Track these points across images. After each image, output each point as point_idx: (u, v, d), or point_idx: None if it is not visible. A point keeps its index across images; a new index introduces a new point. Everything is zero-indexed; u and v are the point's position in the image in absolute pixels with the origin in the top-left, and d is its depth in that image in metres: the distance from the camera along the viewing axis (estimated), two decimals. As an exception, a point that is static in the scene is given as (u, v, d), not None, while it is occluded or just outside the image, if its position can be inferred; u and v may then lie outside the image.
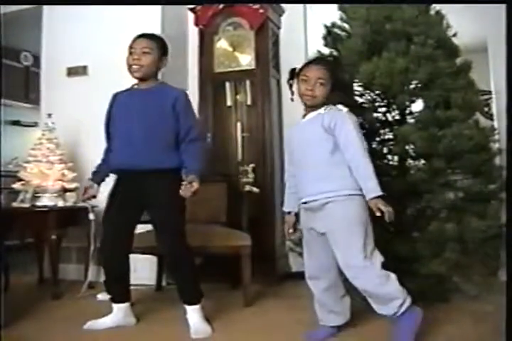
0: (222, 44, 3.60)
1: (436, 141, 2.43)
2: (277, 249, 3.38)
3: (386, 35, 2.62)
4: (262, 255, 3.06)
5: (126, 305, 2.43)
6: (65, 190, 3.25)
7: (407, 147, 2.57)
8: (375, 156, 2.60)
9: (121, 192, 2.36)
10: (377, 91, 2.67)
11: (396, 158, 2.67)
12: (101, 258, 2.40)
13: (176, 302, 2.41)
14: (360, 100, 2.73)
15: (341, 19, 2.86)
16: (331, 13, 2.90)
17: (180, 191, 2.20)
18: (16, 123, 6.14)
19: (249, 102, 3.55)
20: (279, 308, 2.69)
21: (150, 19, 3.64)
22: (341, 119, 2.05)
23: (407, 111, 2.69)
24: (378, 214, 1.90)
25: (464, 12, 3.76)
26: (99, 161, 2.49)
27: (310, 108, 2.14)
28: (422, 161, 2.57)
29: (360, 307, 2.27)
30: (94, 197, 2.45)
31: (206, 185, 3.10)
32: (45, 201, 3.18)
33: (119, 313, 2.41)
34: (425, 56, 2.51)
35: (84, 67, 3.76)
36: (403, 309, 1.94)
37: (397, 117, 2.69)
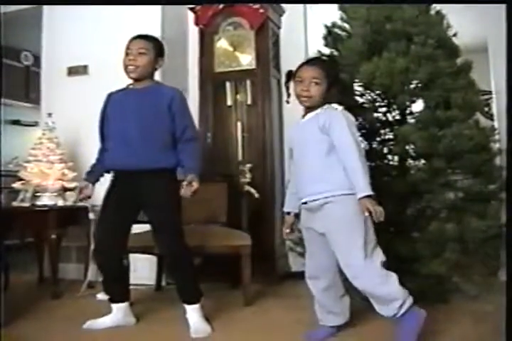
0: (222, 44, 3.60)
1: (436, 141, 2.43)
2: (277, 249, 3.38)
3: (386, 35, 2.62)
4: (262, 255, 3.06)
5: (125, 304, 2.43)
6: (65, 190, 3.26)
7: (407, 147, 2.57)
8: (376, 156, 2.62)
9: (117, 192, 2.36)
10: (377, 91, 2.67)
11: (396, 158, 2.67)
12: (96, 258, 2.39)
13: (176, 302, 2.41)
14: (360, 100, 2.73)
15: (341, 19, 2.86)
16: (331, 13, 2.90)
17: (181, 191, 2.20)
18: (16, 122, 6.15)
19: (249, 102, 3.55)
20: (278, 308, 2.69)
21: (150, 19, 3.65)
22: (335, 118, 2.04)
23: (408, 111, 2.69)
24: (367, 214, 1.89)
25: (464, 12, 3.76)
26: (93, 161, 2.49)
27: (308, 108, 2.14)
28: (422, 161, 2.57)
29: (360, 307, 2.27)
30: (89, 197, 2.46)
31: (206, 185, 3.09)
32: (45, 200, 3.19)
33: (119, 313, 2.41)
34: (425, 56, 2.51)
35: (85, 67, 3.76)
36: (403, 310, 1.93)
37: (398, 117, 2.69)
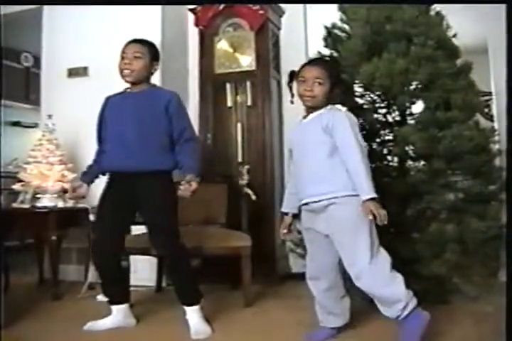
0: (222, 45, 3.60)
1: (436, 142, 2.43)
2: (277, 250, 3.38)
3: (386, 36, 2.62)
4: (262, 256, 3.06)
5: (125, 306, 2.43)
6: (65, 191, 3.24)
7: (407, 148, 2.57)
8: (376, 157, 2.61)
9: (113, 194, 2.36)
10: (377, 92, 2.67)
11: (396, 159, 2.67)
12: (93, 260, 2.40)
13: (176, 304, 2.41)
14: (360, 101, 2.74)
15: (341, 20, 2.86)
16: (331, 14, 2.90)
17: (180, 191, 2.21)
18: (16, 124, 6.15)
19: (249, 103, 3.55)
20: (279, 309, 2.69)
21: (150, 20, 3.65)
22: (339, 119, 2.04)
23: (408, 112, 2.69)
24: (370, 217, 1.89)
25: (464, 12, 3.76)
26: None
27: (311, 109, 2.14)
28: (422, 162, 2.57)
29: (360, 308, 2.27)
30: (83, 197, 2.46)
31: (206, 186, 3.10)
32: (45, 202, 3.19)
33: (119, 314, 2.41)
34: (425, 57, 2.51)
35: (85, 68, 3.76)
36: (406, 312, 1.92)
37: (398, 118, 2.69)
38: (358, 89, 2.71)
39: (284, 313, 2.60)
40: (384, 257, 1.99)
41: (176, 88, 3.61)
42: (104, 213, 2.37)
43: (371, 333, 2.21)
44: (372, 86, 2.59)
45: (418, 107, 2.66)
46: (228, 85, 3.60)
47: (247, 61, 3.53)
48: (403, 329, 1.95)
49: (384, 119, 2.72)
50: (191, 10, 3.67)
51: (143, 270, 3.19)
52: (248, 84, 3.54)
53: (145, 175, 2.27)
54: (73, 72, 3.80)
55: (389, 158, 2.69)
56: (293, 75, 2.20)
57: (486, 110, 5.15)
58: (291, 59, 3.59)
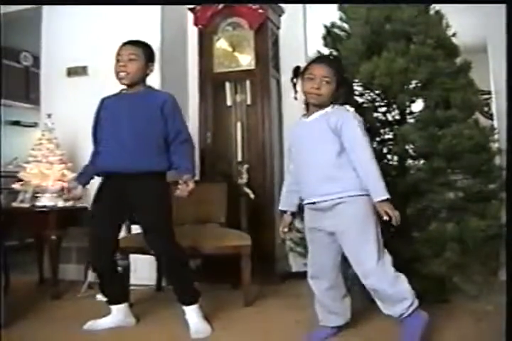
0: (221, 44, 3.60)
1: (436, 141, 2.43)
2: (277, 249, 3.38)
3: (386, 35, 2.62)
4: (262, 255, 3.06)
5: (124, 305, 2.44)
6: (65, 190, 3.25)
7: (407, 147, 2.57)
8: (375, 156, 2.61)
9: (108, 195, 2.36)
10: (377, 91, 2.67)
11: (396, 157, 2.67)
12: (90, 261, 2.40)
13: (176, 303, 2.40)
14: (360, 100, 2.73)
15: (341, 19, 2.86)
16: (331, 14, 2.90)
17: (177, 191, 2.22)
18: (16, 123, 6.14)
19: (249, 102, 3.55)
20: (279, 308, 2.69)
21: (150, 20, 3.65)
22: (348, 120, 2.04)
23: (407, 111, 2.69)
24: (386, 218, 1.90)
25: (464, 12, 3.76)
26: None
27: (315, 107, 2.12)
28: (422, 161, 2.57)
29: (361, 308, 2.27)
30: (79, 198, 2.46)
31: (206, 185, 3.11)
32: (45, 201, 3.19)
33: (119, 314, 2.41)
34: (425, 56, 2.51)
35: (84, 68, 3.75)
36: (410, 310, 1.93)
37: (397, 117, 2.70)
38: (357, 88, 2.71)
39: (284, 312, 2.60)
40: (388, 256, 2.00)
41: (175, 87, 3.63)
42: (98, 213, 2.37)
43: (372, 332, 2.21)
44: (371, 85, 2.59)
45: (418, 106, 2.66)
46: (228, 84, 3.60)
47: (246, 60, 3.53)
48: (405, 328, 1.95)
49: (384, 118, 2.72)
50: (191, 9, 3.67)
51: (143, 269, 3.18)
52: (247, 83, 3.53)
53: (140, 175, 2.28)
54: (72, 72, 3.79)
55: (389, 156, 2.69)
56: (297, 71, 2.19)
57: (486, 109, 5.16)
58: (290, 58, 3.58)
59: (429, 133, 2.44)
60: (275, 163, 3.52)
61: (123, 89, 2.43)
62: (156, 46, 3.53)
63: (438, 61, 2.53)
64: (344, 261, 2.11)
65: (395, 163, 2.67)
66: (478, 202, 2.49)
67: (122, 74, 2.33)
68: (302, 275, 2.24)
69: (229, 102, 3.61)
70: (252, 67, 3.50)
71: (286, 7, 3.75)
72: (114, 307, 2.42)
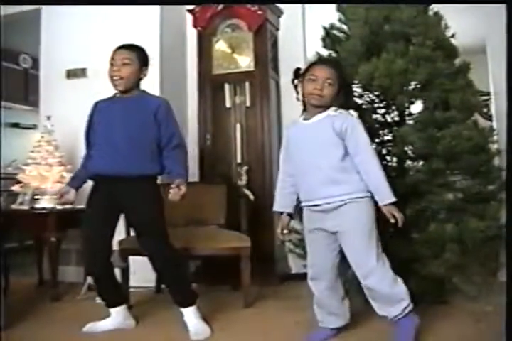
0: (220, 46, 3.60)
1: (435, 142, 2.43)
2: (277, 250, 3.38)
3: (385, 36, 2.62)
4: (262, 256, 3.06)
5: (123, 307, 2.44)
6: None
7: (406, 148, 2.57)
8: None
9: (100, 198, 2.36)
10: (376, 93, 2.67)
11: (395, 159, 2.67)
12: (84, 264, 2.40)
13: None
14: (359, 101, 2.73)
15: (340, 20, 2.86)
16: (330, 15, 2.90)
17: (170, 195, 2.23)
18: (15, 125, 6.13)
19: (248, 104, 3.55)
20: (278, 309, 2.69)
21: (149, 21, 3.65)
22: (353, 124, 2.06)
23: (406, 112, 2.69)
24: (393, 220, 1.94)
25: (463, 12, 3.76)
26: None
27: (315, 108, 2.12)
28: (421, 162, 2.57)
29: (360, 309, 2.27)
30: (71, 202, 2.46)
31: (205, 187, 3.11)
32: (44, 203, 3.19)
33: (118, 316, 2.41)
34: (424, 57, 2.51)
35: (84, 70, 3.76)
36: (406, 311, 1.96)
37: (396, 118, 2.69)
38: (356, 89, 2.71)
39: (284, 313, 2.60)
40: (385, 257, 2.02)
41: (174, 89, 3.63)
42: (91, 217, 2.37)
43: (371, 333, 2.21)
44: (371, 86, 2.59)
45: (417, 107, 2.66)
46: (227, 86, 3.60)
47: (245, 62, 3.53)
48: (400, 328, 1.98)
49: (383, 119, 2.72)
50: (189, 11, 3.67)
51: (142, 271, 3.16)
52: (247, 84, 3.54)
53: (132, 179, 2.28)
54: (72, 74, 3.79)
55: (388, 158, 2.68)
56: (298, 72, 2.19)
57: (485, 110, 5.16)
58: (289, 59, 3.59)
59: (428, 135, 2.44)
60: (274, 165, 3.51)
61: (116, 93, 2.43)
62: (155, 48, 3.55)
63: (437, 62, 2.53)
64: (342, 262, 2.11)
65: (394, 164, 2.67)
66: (477, 203, 2.49)
67: (116, 78, 2.33)
68: (302, 277, 2.24)
69: (228, 104, 3.61)
70: (251, 68, 3.50)
71: (285, 8, 3.75)
72: (113, 310, 2.42)
